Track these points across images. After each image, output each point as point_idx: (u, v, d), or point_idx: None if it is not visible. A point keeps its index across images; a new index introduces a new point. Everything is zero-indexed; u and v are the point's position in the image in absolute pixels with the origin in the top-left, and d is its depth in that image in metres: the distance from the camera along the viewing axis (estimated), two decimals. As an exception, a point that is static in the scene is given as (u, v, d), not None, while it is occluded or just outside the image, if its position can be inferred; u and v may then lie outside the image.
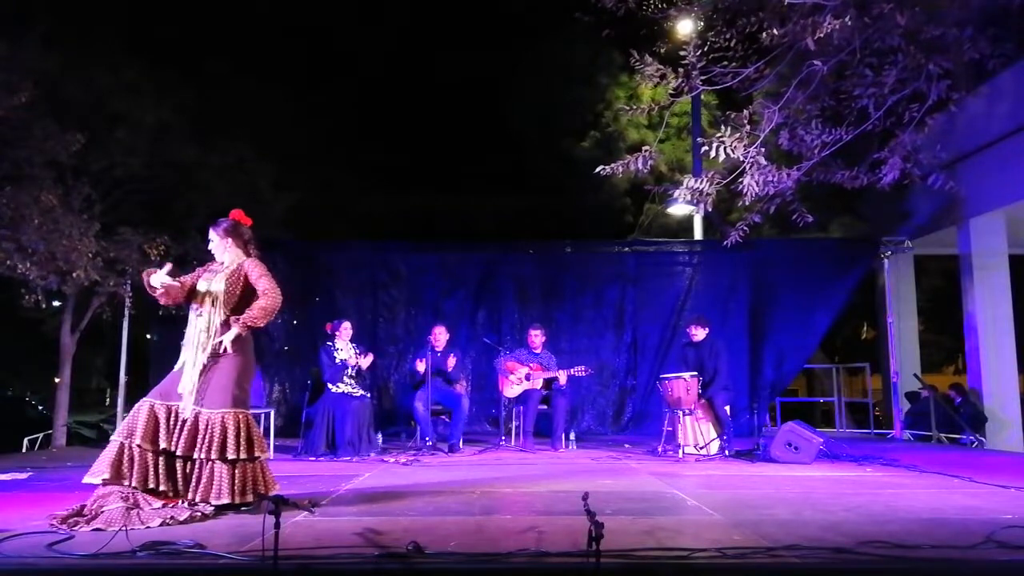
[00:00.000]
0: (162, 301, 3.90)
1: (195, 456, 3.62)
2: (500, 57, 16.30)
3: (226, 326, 3.81)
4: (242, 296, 3.89)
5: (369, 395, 7.07)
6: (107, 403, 19.27)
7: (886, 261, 9.41)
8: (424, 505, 3.95)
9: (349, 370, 6.76)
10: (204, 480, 3.59)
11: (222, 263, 3.98)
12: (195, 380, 3.74)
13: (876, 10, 5.57)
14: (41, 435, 9.12)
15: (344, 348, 6.78)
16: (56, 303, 9.11)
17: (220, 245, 3.99)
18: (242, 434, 3.69)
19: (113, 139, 8.30)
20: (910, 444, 8.65)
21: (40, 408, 16.98)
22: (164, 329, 9.09)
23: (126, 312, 8.69)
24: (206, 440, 3.62)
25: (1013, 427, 9.27)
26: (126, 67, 8.55)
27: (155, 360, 9.21)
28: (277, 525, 2.47)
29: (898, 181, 6.69)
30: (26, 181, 7.15)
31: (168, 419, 3.66)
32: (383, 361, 9.23)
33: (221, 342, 3.76)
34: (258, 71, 13.27)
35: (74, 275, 7.30)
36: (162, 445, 3.61)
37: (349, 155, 15.22)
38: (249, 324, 3.80)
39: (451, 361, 7.19)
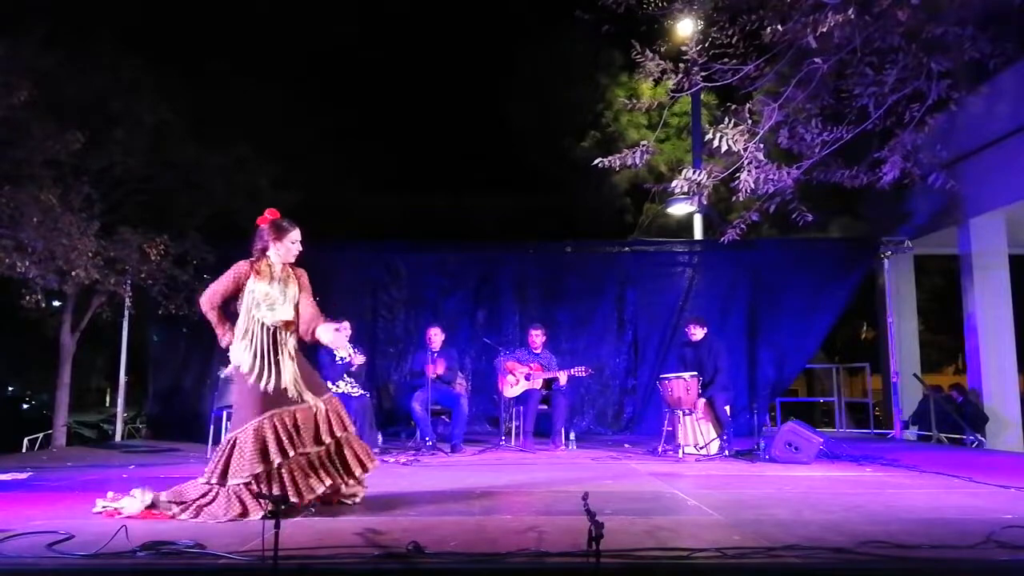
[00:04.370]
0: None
1: (331, 439, 3.77)
2: (500, 57, 16.28)
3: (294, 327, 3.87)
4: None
5: (368, 394, 7.07)
6: (107, 403, 19.25)
7: (886, 261, 9.41)
8: (424, 505, 3.94)
9: (351, 368, 6.79)
10: (342, 460, 3.78)
11: (269, 263, 3.87)
12: (297, 379, 3.79)
13: (877, 8, 5.56)
14: (41, 435, 9.11)
15: (344, 347, 6.79)
16: (56, 303, 9.11)
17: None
18: (343, 411, 3.91)
19: (113, 139, 8.29)
20: (910, 444, 8.64)
21: (33, 402, 16.97)
22: (164, 329, 9.11)
23: (126, 312, 8.68)
24: (329, 424, 3.77)
25: (1013, 427, 9.27)
26: (125, 67, 8.55)
27: (155, 360, 9.22)
28: (277, 525, 2.46)
29: (898, 180, 6.68)
30: (26, 180, 7.14)
31: (289, 427, 3.69)
32: (383, 361, 9.23)
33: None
34: (258, 71, 13.25)
35: (73, 274, 7.30)
36: (292, 453, 3.65)
37: (349, 155, 15.19)
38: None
39: (440, 366, 7.17)
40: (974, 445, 8.51)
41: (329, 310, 8.82)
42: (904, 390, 9.71)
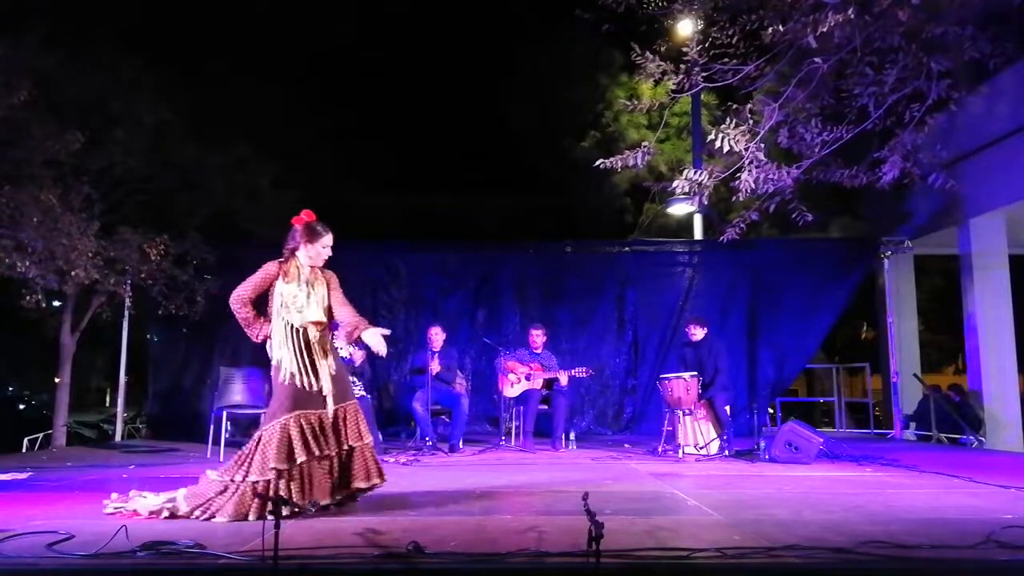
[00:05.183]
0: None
1: (344, 447, 3.75)
2: (500, 57, 16.29)
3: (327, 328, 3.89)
4: None
5: (370, 396, 7.07)
6: (107, 403, 19.25)
7: (886, 261, 9.41)
8: (424, 505, 3.95)
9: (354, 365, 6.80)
10: (356, 466, 3.75)
11: (298, 265, 3.87)
12: (331, 382, 3.79)
13: (877, 8, 5.57)
14: (41, 435, 9.11)
15: (344, 347, 6.79)
16: (56, 303, 9.11)
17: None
18: (363, 418, 3.90)
19: (113, 139, 8.28)
20: (910, 444, 8.64)
21: (33, 402, 16.97)
22: (164, 329, 9.10)
23: (126, 312, 8.68)
24: (347, 429, 3.76)
25: (1013, 427, 9.26)
26: (125, 67, 8.55)
27: (155, 360, 9.22)
28: (277, 525, 2.46)
29: (898, 180, 6.68)
30: (26, 180, 7.14)
31: (315, 428, 3.69)
32: (383, 361, 9.21)
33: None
34: (258, 71, 13.26)
35: (73, 274, 7.29)
36: (316, 454, 3.65)
37: (349, 155, 15.21)
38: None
39: (435, 365, 7.18)
40: (974, 445, 8.51)
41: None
42: (904, 390, 9.71)
